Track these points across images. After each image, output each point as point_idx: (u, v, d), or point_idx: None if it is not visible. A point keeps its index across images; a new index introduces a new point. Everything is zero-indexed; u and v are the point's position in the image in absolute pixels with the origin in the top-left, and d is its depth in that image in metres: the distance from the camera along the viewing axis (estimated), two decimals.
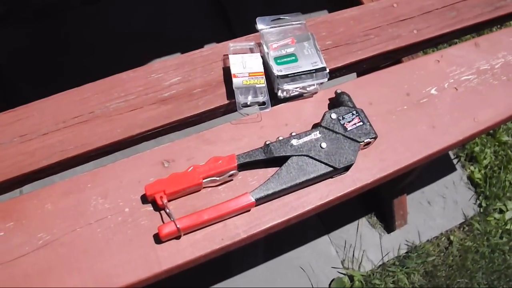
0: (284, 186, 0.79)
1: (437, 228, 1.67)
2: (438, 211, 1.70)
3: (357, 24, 1.04)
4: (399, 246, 1.62)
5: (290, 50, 0.91)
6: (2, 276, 0.73)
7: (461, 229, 1.70)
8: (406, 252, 1.61)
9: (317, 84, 0.89)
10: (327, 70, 0.89)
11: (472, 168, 1.78)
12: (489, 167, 1.80)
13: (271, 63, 0.89)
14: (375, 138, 0.85)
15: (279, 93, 0.89)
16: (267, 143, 0.81)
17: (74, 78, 0.90)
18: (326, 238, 1.60)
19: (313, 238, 1.59)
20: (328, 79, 0.92)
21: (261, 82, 0.87)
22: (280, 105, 0.90)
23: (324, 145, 0.82)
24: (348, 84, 0.95)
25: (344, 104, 0.88)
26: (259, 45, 0.93)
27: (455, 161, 1.79)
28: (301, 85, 0.88)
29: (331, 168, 0.82)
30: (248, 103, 0.86)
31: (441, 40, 1.09)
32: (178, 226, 0.74)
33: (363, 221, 1.64)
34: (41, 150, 0.82)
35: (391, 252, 1.61)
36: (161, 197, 0.76)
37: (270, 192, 0.78)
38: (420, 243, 1.63)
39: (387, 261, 1.59)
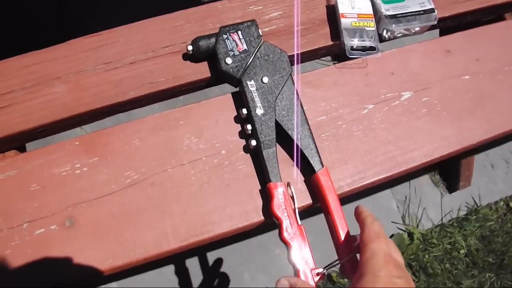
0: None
1: (498, 193, 1.56)
2: (500, 176, 1.58)
3: None
4: (459, 207, 1.51)
5: None
6: (86, 214, 0.63)
7: None
8: (465, 214, 1.51)
9: (423, 26, 0.75)
10: (436, 12, 0.75)
11: None
12: None
13: (378, 1, 0.75)
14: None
15: (384, 33, 0.76)
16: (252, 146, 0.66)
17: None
18: (389, 192, 1.49)
19: (376, 191, 1.48)
20: (431, 28, 0.78)
21: (371, 25, 0.74)
22: (386, 51, 0.77)
23: (265, 79, 0.67)
24: (456, 36, 0.82)
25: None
26: None
27: None
28: (408, 26, 0.75)
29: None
30: (354, 47, 0.73)
31: None
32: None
33: (426, 178, 1.52)
34: (127, 80, 0.70)
35: (450, 213, 1.50)
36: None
37: None
38: (479, 207, 1.52)
39: (446, 221, 1.49)
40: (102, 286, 1.28)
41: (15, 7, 1.53)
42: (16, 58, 0.70)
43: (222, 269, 1.33)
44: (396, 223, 1.46)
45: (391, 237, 1.43)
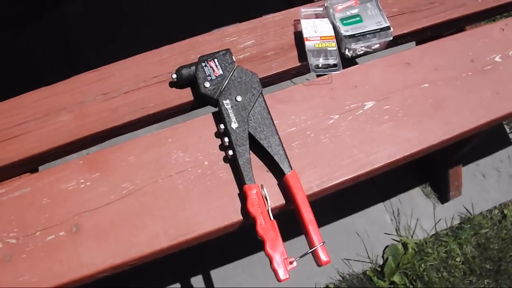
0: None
1: (491, 201, 1.58)
2: (492, 184, 1.60)
3: None
4: (452, 216, 1.54)
5: (354, 11, 0.89)
6: (90, 221, 0.71)
7: None
8: (459, 223, 1.53)
9: (382, 42, 0.83)
10: (391, 29, 0.85)
11: None
12: None
13: (338, 24, 0.85)
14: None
15: (346, 52, 0.85)
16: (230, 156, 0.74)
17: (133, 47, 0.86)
18: (381, 205, 1.53)
19: (368, 205, 1.53)
20: (392, 45, 0.86)
21: (332, 46, 0.82)
22: (350, 68, 0.85)
23: (239, 98, 0.76)
24: (414, 50, 0.89)
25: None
26: (324, 8, 0.87)
27: (510, 135, 1.69)
28: (367, 43, 0.84)
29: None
30: (320, 65, 0.81)
31: (506, 9, 1.01)
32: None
33: (417, 190, 1.56)
34: (123, 107, 0.80)
35: (444, 222, 1.53)
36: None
37: None
38: (473, 215, 1.54)
39: (440, 231, 1.52)
40: None
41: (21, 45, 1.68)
42: (29, 93, 0.81)
43: (225, 286, 1.38)
44: (389, 234, 1.49)
45: (385, 248, 1.47)
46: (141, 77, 0.82)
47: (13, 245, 0.70)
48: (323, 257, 0.68)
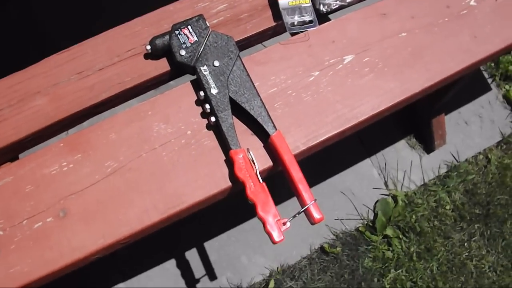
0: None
1: (475, 147, 1.59)
2: (475, 131, 1.61)
3: None
4: (439, 166, 1.55)
5: None
6: (76, 204, 0.69)
7: (499, 147, 1.62)
8: (446, 172, 1.54)
9: None
10: None
11: (507, 87, 1.67)
12: None
13: None
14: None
15: (321, 8, 0.83)
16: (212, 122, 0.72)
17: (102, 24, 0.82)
18: (368, 161, 1.53)
19: (356, 162, 1.53)
20: None
21: (306, 2, 0.80)
22: (325, 23, 0.83)
23: (216, 63, 0.74)
24: (389, 0, 0.86)
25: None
26: None
27: (489, 80, 1.69)
28: None
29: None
30: (295, 23, 0.79)
31: None
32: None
33: (402, 143, 1.57)
34: (99, 85, 0.77)
35: (431, 172, 1.54)
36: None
37: None
38: (459, 163, 1.55)
39: (428, 181, 1.53)
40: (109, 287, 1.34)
41: None
42: (1, 80, 0.78)
43: (220, 256, 1.38)
44: (378, 189, 1.50)
45: (375, 203, 1.48)
46: (115, 52, 0.79)
47: (0, 236, 0.68)
48: (315, 214, 0.67)
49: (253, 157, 0.69)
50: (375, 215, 1.46)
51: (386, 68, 0.80)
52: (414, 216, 1.45)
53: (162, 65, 0.78)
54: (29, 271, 0.66)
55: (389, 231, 1.43)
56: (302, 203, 0.68)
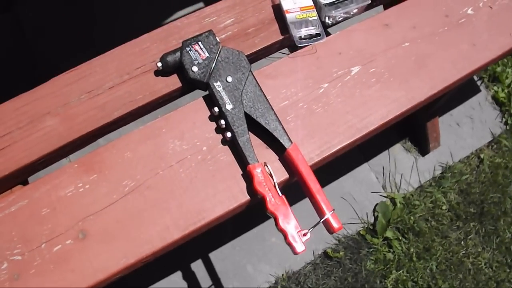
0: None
1: (467, 147, 1.64)
2: (467, 132, 1.66)
3: None
4: (434, 167, 1.59)
5: None
6: (95, 225, 0.69)
7: (490, 147, 1.66)
8: (441, 173, 1.58)
9: (360, 7, 0.83)
10: None
11: (495, 88, 1.72)
12: None
13: None
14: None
15: (327, 20, 0.84)
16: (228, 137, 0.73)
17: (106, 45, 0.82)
18: (366, 166, 1.56)
19: (354, 167, 1.55)
20: (368, 8, 0.87)
21: (313, 15, 0.81)
22: (331, 35, 0.84)
23: (229, 78, 0.75)
24: (391, 11, 0.89)
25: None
26: None
27: (478, 82, 1.74)
28: (346, 10, 0.84)
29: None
30: (302, 36, 0.80)
31: None
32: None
33: (398, 146, 1.60)
34: (110, 103, 0.77)
35: (427, 174, 1.58)
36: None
37: None
38: (453, 163, 1.59)
39: (424, 182, 1.56)
40: None
41: None
42: (8, 102, 0.77)
43: (226, 266, 1.38)
44: (377, 192, 1.53)
45: (375, 206, 1.50)
46: (124, 70, 0.79)
47: (19, 262, 0.67)
48: (335, 224, 0.68)
49: (271, 171, 0.70)
50: (375, 218, 1.48)
51: (392, 78, 0.82)
52: (412, 218, 1.48)
53: (173, 82, 0.78)
54: None
55: (389, 233, 1.45)
56: (320, 213, 0.69)
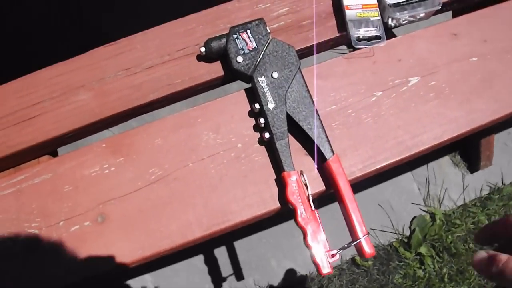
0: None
1: None
2: None
3: None
4: (481, 187, 1.48)
5: None
6: (116, 210, 0.66)
7: None
8: (488, 194, 1.48)
9: (428, 11, 0.75)
10: None
11: None
12: None
13: None
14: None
15: (389, 22, 0.76)
16: (266, 138, 0.67)
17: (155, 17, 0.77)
18: (409, 175, 1.47)
19: (396, 174, 1.48)
20: (436, 13, 0.78)
21: (376, 15, 0.74)
22: (392, 39, 0.77)
23: (275, 74, 0.68)
24: (461, 19, 0.80)
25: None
26: None
27: None
28: (412, 13, 0.75)
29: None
30: (361, 37, 0.73)
31: None
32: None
33: (446, 159, 1.50)
34: (147, 84, 0.73)
35: (473, 193, 1.48)
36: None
37: None
38: (502, 186, 1.48)
39: (469, 201, 1.46)
40: (136, 278, 1.32)
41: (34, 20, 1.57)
42: (43, 70, 0.74)
43: (250, 257, 1.35)
44: (417, 204, 1.44)
45: (412, 219, 1.42)
46: (165, 50, 0.74)
47: (35, 235, 0.65)
48: (367, 249, 0.62)
49: (306, 181, 0.64)
50: (412, 231, 1.40)
51: (453, 95, 0.74)
52: (450, 237, 1.40)
53: (215, 69, 0.73)
54: (64, 275, 0.63)
55: (423, 249, 1.37)
56: (353, 235, 0.63)
